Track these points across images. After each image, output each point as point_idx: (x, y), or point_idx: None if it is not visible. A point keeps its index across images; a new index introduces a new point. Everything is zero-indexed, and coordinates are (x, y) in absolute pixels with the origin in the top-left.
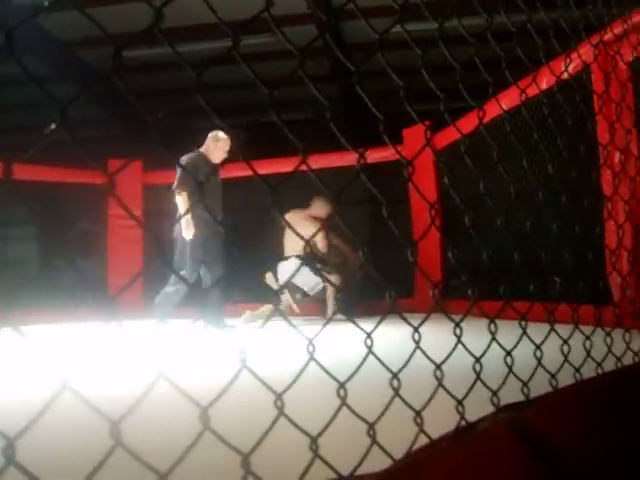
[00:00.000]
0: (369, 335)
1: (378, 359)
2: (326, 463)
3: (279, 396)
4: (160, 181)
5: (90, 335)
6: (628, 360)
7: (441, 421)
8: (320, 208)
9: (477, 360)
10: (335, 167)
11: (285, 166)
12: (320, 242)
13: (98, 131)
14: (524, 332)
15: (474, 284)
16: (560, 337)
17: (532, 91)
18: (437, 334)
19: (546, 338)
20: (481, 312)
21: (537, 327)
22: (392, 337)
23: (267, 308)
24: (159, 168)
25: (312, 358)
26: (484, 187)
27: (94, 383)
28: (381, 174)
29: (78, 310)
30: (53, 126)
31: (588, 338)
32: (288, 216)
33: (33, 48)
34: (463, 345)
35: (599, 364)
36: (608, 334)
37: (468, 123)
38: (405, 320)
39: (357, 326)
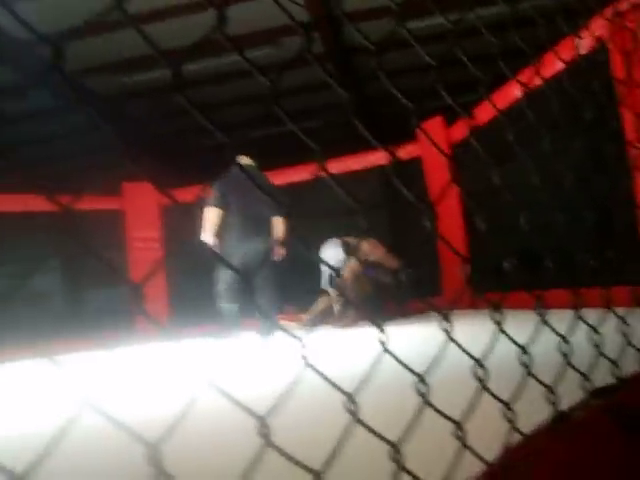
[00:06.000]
0: (446, 317)
1: (460, 347)
2: (411, 474)
3: (352, 398)
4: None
5: (120, 361)
6: None
7: (530, 412)
8: (374, 248)
9: (564, 340)
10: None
11: (290, 175)
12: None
13: (109, 155)
14: (611, 310)
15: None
16: None
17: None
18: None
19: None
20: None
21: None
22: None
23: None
24: (173, 187)
25: (386, 350)
26: (501, 176)
27: (134, 406)
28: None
29: (104, 338)
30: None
31: None
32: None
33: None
34: (550, 326)
35: None
36: None
37: (481, 114)
38: (498, 308)
39: (443, 316)
